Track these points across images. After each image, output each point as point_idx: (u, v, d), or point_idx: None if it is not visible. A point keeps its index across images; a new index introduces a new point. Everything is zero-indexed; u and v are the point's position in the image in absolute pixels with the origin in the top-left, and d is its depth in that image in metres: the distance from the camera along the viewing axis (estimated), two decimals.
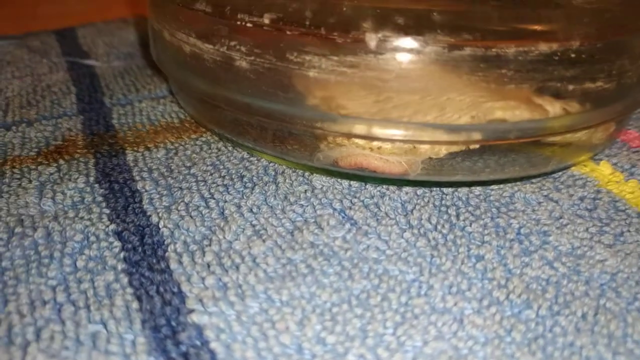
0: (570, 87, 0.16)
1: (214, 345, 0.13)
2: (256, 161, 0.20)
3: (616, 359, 0.13)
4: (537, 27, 0.16)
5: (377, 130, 0.17)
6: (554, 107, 0.17)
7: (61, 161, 0.19)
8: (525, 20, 0.16)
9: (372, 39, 0.15)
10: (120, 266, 0.15)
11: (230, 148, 0.20)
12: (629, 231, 0.17)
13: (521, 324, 0.14)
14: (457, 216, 0.17)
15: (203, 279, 0.14)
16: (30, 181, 0.18)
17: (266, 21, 0.16)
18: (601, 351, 0.13)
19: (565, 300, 0.14)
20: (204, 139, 0.21)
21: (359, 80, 0.16)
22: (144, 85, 0.25)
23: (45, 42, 0.31)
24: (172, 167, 0.19)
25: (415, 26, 0.15)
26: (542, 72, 0.16)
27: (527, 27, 0.16)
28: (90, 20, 0.34)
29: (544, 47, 0.15)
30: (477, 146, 0.17)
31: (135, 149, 0.20)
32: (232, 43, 0.17)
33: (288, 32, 0.16)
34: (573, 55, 0.16)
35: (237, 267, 0.15)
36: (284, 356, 0.12)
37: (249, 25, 0.16)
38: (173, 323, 0.13)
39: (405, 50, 0.15)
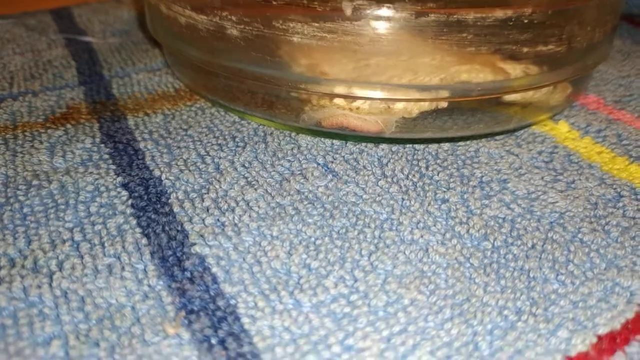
0: (525, 49, 0.18)
1: (215, 269, 0.15)
2: (247, 124, 0.22)
3: (558, 278, 0.15)
4: None
5: (357, 91, 0.19)
6: (515, 70, 0.19)
7: (68, 125, 0.21)
8: None
9: (347, 7, 0.17)
10: (128, 211, 0.17)
11: (222, 113, 0.22)
12: (579, 179, 0.19)
13: (479, 252, 0.16)
14: (427, 167, 0.19)
15: (203, 219, 0.16)
16: (41, 142, 0.20)
17: None
18: (546, 272, 0.15)
19: (518, 234, 0.17)
20: (198, 105, 0.23)
21: (338, 44, 0.18)
22: (140, 59, 0.27)
23: (41, 21, 0.32)
24: (170, 130, 0.21)
25: None
26: (498, 35, 0.18)
27: None
28: (84, 1, 0.35)
29: (499, 13, 0.17)
30: (445, 105, 0.20)
31: (136, 114, 0.22)
32: (224, 13, 0.19)
33: (274, 2, 0.18)
34: (526, 21, 0.18)
35: (233, 210, 0.17)
36: (276, 277, 0.15)
37: None
38: (178, 254, 0.15)
39: (377, 17, 0.17)
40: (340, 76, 0.18)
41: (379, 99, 0.19)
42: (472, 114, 0.20)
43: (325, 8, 0.17)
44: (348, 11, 0.17)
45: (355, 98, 0.19)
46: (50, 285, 0.14)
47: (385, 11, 0.17)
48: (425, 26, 0.17)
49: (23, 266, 0.15)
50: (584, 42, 0.20)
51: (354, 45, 0.17)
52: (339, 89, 0.19)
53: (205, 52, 0.20)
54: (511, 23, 0.18)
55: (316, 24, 0.17)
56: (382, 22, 0.17)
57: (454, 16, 0.17)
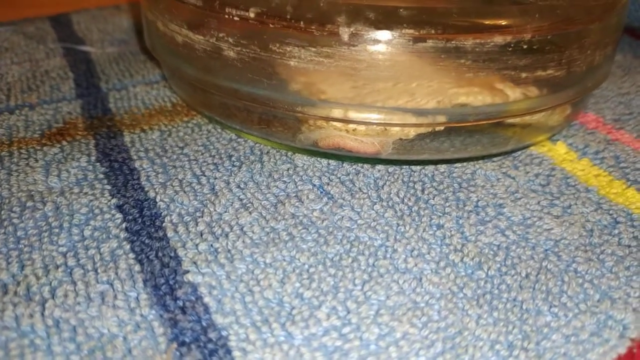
0: (523, 74, 0.18)
1: (207, 299, 0.15)
2: (243, 142, 0.22)
3: (551, 310, 0.15)
4: (493, 22, 0.17)
5: (353, 114, 0.19)
6: (514, 92, 0.19)
7: (64, 142, 0.21)
8: (482, 15, 0.17)
9: (345, 32, 0.17)
10: (122, 235, 0.17)
11: (219, 130, 0.22)
12: (576, 204, 0.19)
13: (472, 282, 0.16)
14: (423, 190, 0.19)
15: (196, 245, 0.16)
16: (36, 160, 0.20)
17: (251, 15, 0.18)
18: (539, 304, 0.15)
19: (512, 262, 0.17)
20: (195, 121, 0.23)
21: (335, 69, 0.18)
22: (138, 71, 0.27)
23: (40, 29, 0.32)
24: (167, 148, 0.21)
25: (384, 21, 0.17)
26: (497, 61, 0.18)
27: (483, 22, 0.17)
28: (83, 7, 0.35)
29: (498, 39, 0.17)
30: (442, 128, 0.19)
31: (132, 130, 0.22)
32: (221, 34, 0.19)
33: (271, 25, 0.18)
34: (525, 47, 0.18)
35: (227, 235, 0.17)
36: (268, 308, 0.14)
37: (236, 18, 0.18)
38: (171, 282, 0.15)
39: (375, 42, 0.17)
40: (337, 97, 0.18)
41: (375, 123, 0.19)
42: (470, 136, 0.20)
43: (323, 32, 0.17)
44: (345, 36, 0.17)
45: (350, 122, 0.19)
46: (42, 314, 0.14)
47: (382, 36, 0.17)
48: (423, 52, 0.17)
49: (16, 293, 0.15)
50: (583, 65, 0.19)
51: (351, 70, 0.17)
52: (336, 112, 0.19)
53: (202, 71, 0.20)
54: (510, 49, 0.17)
55: (313, 49, 0.17)
56: (380, 47, 0.17)
57: (452, 42, 0.17)
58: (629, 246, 0.17)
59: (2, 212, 0.17)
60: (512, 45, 0.18)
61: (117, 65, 0.28)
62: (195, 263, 0.16)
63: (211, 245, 0.16)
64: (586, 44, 0.19)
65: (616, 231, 0.18)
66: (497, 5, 0.18)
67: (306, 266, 0.16)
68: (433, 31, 0.17)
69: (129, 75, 0.27)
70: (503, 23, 0.18)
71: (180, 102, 0.24)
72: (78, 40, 0.30)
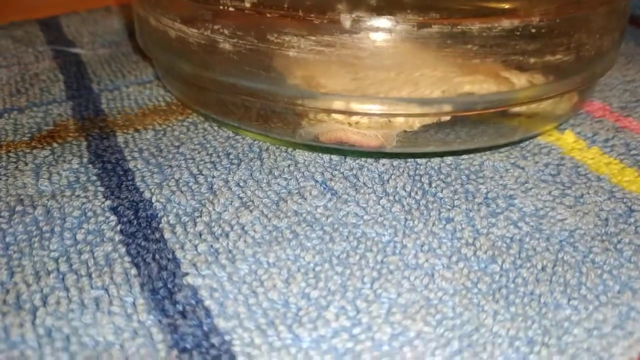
0: (532, 60, 0.17)
1: (208, 302, 0.14)
2: (241, 139, 0.21)
3: (570, 303, 0.14)
4: (499, 5, 0.17)
5: (355, 106, 0.18)
6: (519, 80, 0.19)
7: (54, 144, 0.20)
8: None
9: (346, 19, 0.16)
10: (117, 238, 0.16)
11: (216, 128, 0.22)
12: (588, 193, 0.18)
13: (487, 277, 0.15)
14: (430, 184, 0.18)
15: (196, 246, 0.16)
16: (26, 164, 0.19)
17: (247, 5, 0.17)
18: (557, 297, 0.14)
19: (527, 255, 0.16)
20: (190, 120, 0.22)
21: (336, 58, 0.17)
22: (130, 71, 0.26)
23: (29, 32, 0.31)
24: (162, 147, 0.20)
25: (387, 6, 0.16)
26: (505, 46, 0.17)
27: (490, 5, 0.17)
28: (73, 10, 0.34)
29: (506, 23, 0.17)
30: (448, 118, 0.19)
31: (125, 131, 0.21)
32: (216, 27, 0.18)
33: (268, 15, 0.17)
34: (533, 31, 0.17)
35: (227, 235, 0.16)
36: (273, 310, 0.14)
37: (231, 9, 0.17)
38: (169, 285, 0.14)
39: (378, 29, 0.16)
40: (338, 89, 0.18)
41: (378, 114, 0.18)
42: (476, 126, 0.19)
43: (323, 20, 0.16)
44: (347, 23, 0.16)
45: (353, 114, 0.18)
46: (33, 323, 0.13)
47: (385, 23, 0.16)
48: (428, 38, 0.16)
49: (4, 302, 0.14)
50: (592, 50, 0.19)
51: (352, 59, 0.17)
52: (337, 104, 0.18)
53: (197, 66, 0.19)
54: (518, 33, 0.17)
55: (313, 37, 0.17)
56: (383, 34, 0.16)
57: (458, 27, 0.16)
58: None
59: None
60: (520, 29, 0.17)
61: (109, 66, 0.27)
62: (194, 265, 0.15)
63: (211, 245, 0.16)
64: (594, 28, 0.19)
65: (632, 219, 0.17)
66: None
67: (312, 265, 0.15)
68: (438, 16, 0.16)
69: (121, 76, 0.26)
70: (509, 7, 0.17)
71: (175, 101, 0.24)
72: (68, 43, 0.30)
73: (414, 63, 0.17)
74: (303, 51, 0.17)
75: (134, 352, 0.13)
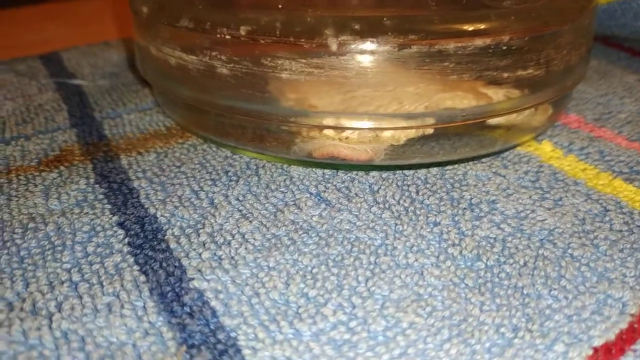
0: (505, 74, 0.19)
1: (214, 303, 0.15)
2: (239, 158, 0.22)
3: (551, 294, 0.15)
4: (472, 26, 0.18)
5: (345, 122, 0.19)
6: (497, 95, 0.20)
7: (62, 167, 0.21)
8: (461, 21, 0.18)
9: (333, 43, 0.18)
10: (125, 249, 0.17)
11: (214, 148, 0.23)
12: (566, 196, 0.20)
13: (473, 273, 0.16)
14: (417, 192, 0.20)
15: (200, 254, 0.17)
16: (35, 185, 0.20)
17: (242, 33, 0.19)
18: (539, 289, 0.16)
19: (510, 252, 0.17)
20: (190, 142, 0.23)
21: (325, 78, 0.18)
22: (131, 100, 0.28)
23: (31, 66, 0.33)
24: (164, 167, 0.21)
25: (370, 30, 0.18)
26: (479, 63, 0.18)
27: (463, 27, 0.18)
28: (73, 45, 0.36)
29: (479, 42, 0.18)
30: (431, 131, 0.20)
31: (128, 154, 0.22)
32: (214, 53, 0.19)
33: (262, 41, 0.19)
34: (504, 48, 0.19)
35: (229, 243, 0.17)
36: (274, 308, 0.15)
37: (227, 37, 0.19)
38: (177, 289, 0.15)
39: (362, 51, 0.18)
40: (329, 108, 0.19)
41: (367, 128, 0.19)
42: (458, 139, 0.21)
43: (312, 45, 0.18)
44: (334, 47, 0.18)
45: (344, 129, 0.19)
46: (49, 326, 0.14)
47: (369, 45, 0.18)
48: (408, 57, 0.18)
49: (22, 309, 0.15)
50: (561, 65, 0.20)
51: (340, 79, 0.18)
52: (328, 121, 0.19)
53: (196, 91, 0.20)
54: (490, 51, 0.18)
55: (303, 60, 0.18)
56: (367, 56, 0.18)
57: (435, 47, 0.18)
58: (621, 231, 0.18)
59: (4, 234, 0.17)
60: (492, 47, 0.18)
61: (110, 96, 0.28)
62: (199, 270, 0.16)
63: (214, 253, 0.17)
64: (562, 44, 0.20)
65: (607, 218, 0.18)
66: (475, 11, 0.19)
67: (309, 267, 0.16)
68: (417, 37, 0.18)
69: (122, 104, 0.27)
70: (482, 27, 0.19)
71: (175, 126, 0.25)
72: (69, 75, 0.31)
73: (398, 81, 0.19)
74: (295, 73, 0.18)
75: (145, 349, 0.13)
